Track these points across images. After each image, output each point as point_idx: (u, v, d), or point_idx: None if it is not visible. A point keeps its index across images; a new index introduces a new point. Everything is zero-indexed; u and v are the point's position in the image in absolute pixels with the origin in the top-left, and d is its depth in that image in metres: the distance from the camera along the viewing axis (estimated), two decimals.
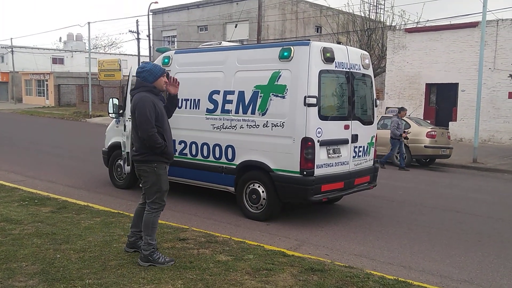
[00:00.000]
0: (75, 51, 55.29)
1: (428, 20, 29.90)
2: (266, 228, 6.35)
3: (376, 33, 27.23)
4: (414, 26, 24.99)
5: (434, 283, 4.66)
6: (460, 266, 5.20)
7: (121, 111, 8.21)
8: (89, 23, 32.30)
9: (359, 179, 7.08)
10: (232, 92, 6.86)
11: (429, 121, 18.08)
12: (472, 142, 15.91)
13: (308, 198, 6.30)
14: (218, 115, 7.02)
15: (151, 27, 35.09)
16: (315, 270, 4.53)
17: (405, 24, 27.20)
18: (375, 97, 7.53)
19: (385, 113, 19.30)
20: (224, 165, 6.97)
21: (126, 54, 55.43)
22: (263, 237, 5.89)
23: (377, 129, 8.13)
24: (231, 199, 7.30)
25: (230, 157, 6.91)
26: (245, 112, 6.70)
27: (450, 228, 6.90)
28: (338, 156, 6.62)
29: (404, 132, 13.04)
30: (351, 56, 6.85)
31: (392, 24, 27.58)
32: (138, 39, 35.90)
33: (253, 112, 6.61)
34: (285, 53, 6.33)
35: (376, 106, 7.54)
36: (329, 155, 6.48)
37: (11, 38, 47.76)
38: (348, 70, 6.76)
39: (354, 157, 6.93)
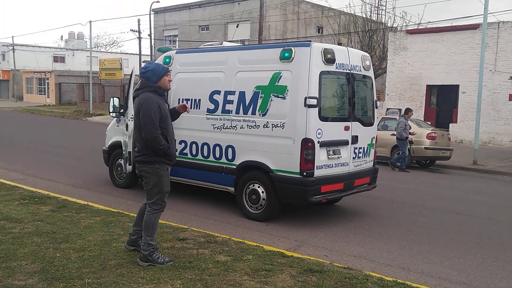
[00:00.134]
0: (77, 50, 55.35)
1: (429, 22, 29.97)
2: (266, 228, 6.36)
3: (377, 34, 27.23)
4: (415, 28, 25.00)
5: (432, 285, 4.67)
6: (459, 268, 5.21)
7: (122, 111, 8.22)
8: (90, 21, 32.37)
9: (359, 180, 7.08)
10: (232, 93, 6.87)
11: (429, 123, 18.08)
12: (473, 144, 15.91)
13: (308, 199, 6.31)
14: (218, 115, 7.03)
15: (152, 26, 35.14)
16: (314, 271, 4.54)
17: (406, 25, 27.25)
18: (375, 98, 7.54)
19: (385, 114, 19.34)
20: (224, 165, 6.98)
21: (127, 53, 55.48)
22: (262, 238, 5.89)
23: (377, 130, 8.14)
24: (231, 199, 7.31)
25: (230, 157, 6.92)
26: (245, 113, 6.71)
27: (450, 230, 6.91)
28: (338, 157, 6.62)
29: (411, 133, 12.96)
30: (352, 57, 6.85)
31: (394, 26, 27.60)
32: (139, 38, 35.97)
33: (253, 113, 6.62)
34: (286, 54, 6.34)
35: (376, 108, 7.55)
36: (329, 156, 6.49)
37: (13, 36, 47.90)
38: (349, 72, 6.77)
39: (354, 158, 6.94)
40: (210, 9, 33.91)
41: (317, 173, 6.29)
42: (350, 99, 6.82)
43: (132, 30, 36.68)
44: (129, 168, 7.41)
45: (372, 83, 7.43)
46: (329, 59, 6.35)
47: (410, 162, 13.53)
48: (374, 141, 7.45)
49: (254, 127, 6.61)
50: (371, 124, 7.37)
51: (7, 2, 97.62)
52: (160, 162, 4.50)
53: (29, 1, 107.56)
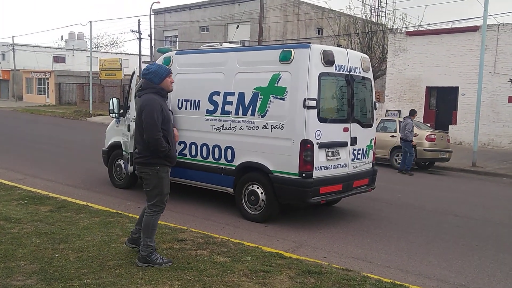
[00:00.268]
0: (77, 50, 55.35)
1: (429, 24, 29.94)
2: (264, 229, 6.37)
3: (377, 35, 27.25)
4: (415, 30, 25.03)
5: (430, 286, 4.68)
6: (457, 270, 5.22)
7: (122, 111, 8.23)
8: (91, 22, 32.40)
9: (357, 181, 7.10)
10: (232, 94, 6.89)
11: (428, 125, 18.10)
12: (472, 146, 15.92)
13: (307, 200, 6.32)
14: (218, 116, 7.04)
15: (152, 27, 35.15)
16: (312, 272, 4.55)
17: (406, 27, 27.25)
18: (374, 100, 7.55)
19: (385, 116, 19.36)
20: (223, 166, 6.99)
21: (127, 54, 55.48)
22: (261, 239, 5.90)
23: (377, 131, 8.14)
24: (230, 200, 7.32)
25: (229, 158, 6.93)
26: (245, 114, 6.72)
27: (448, 231, 6.92)
28: (337, 158, 6.64)
29: (414, 135, 12.96)
30: (351, 59, 6.87)
31: (393, 27, 27.60)
32: (139, 38, 35.97)
33: (253, 114, 6.63)
34: (286, 56, 6.35)
35: (375, 109, 7.57)
36: (328, 158, 6.50)
37: (13, 36, 47.89)
38: (348, 73, 6.79)
39: (353, 159, 6.95)
40: (211, 10, 33.94)
41: (316, 174, 6.30)
42: (349, 101, 6.83)
43: (132, 31, 36.66)
44: (130, 168, 7.41)
45: (371, 85, 7.44)
46: (329, 60, 6.36)
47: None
48: (373, 143, 7.46)
49: (253, 128, 6.62)
50: (370, 126, 7.38)
51: (7, 2, 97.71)
52: (161, 164, 4.50)
53: (29, 1, 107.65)
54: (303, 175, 6.21)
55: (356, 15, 28.49)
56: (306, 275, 4.49)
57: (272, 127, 6.43)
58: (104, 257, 4.67)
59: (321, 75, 6.30)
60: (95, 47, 58.40)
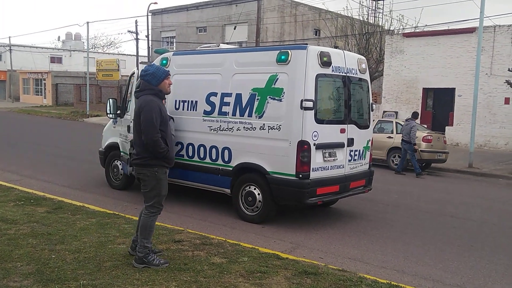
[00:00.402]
0: (74, 51, 55.20)
1: (426, 25, 30.07)
2: (261, 230, 6.37)
3: (374, 37, 27.31)
4: (412, 31, 25.09)
5: (426, 287, 4.70)
6: (453, 271, 5.24)
7: (119, 112, 8.22)
8: (88, 22, 32.44)
9: (354, 182, 7.11)
10: (229, 95, 6.89)
11: (425, 126, 18.15)
12: (468, 147, 15.97)
13: (304, 201, 6.34)
14: (215, 117, 7.05)
15: (150, 27, 35.06)
16: (309, 273, 4.56)
17: (403, 28, 27.29)
18: (371, 101, 7.58)
19: (382, 117, 19.39)
20: (220, 167, 7.00)
21: (124, 54, 55.36)
22: (258, 240, 5.91)
23: (374, 133, 8.16)
24: (227, 201, 7.33)
25: (226, 159, 6.93)
26: (242, 115, 6.73)
27: (444, 232, 6.95)
28: (333, 159, 6.65)
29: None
30: (348, 60, 6.89)
31: (390, 29, 27.66)
32: (136, 39, 35.85)
33: (250, 115, 6.64)
34: (283, 57, 6.37)
35: (372, 110, 7.59)
36: (325, 159, 6.52)
37: (9, 37, 47.89)
38: (345, 74, 6.81)
39: (349, 160, 6.97)
40: (208, 11, 33.94)
41: (313, 175, 6.31)
42: (346, 102, 6.85)
43: (130, 31, 36.50)
44: (129, 169, 7.40)
45: (368, 86, 7.46)
46: (325, 62, 6.38)
47: (406, 165, 13.56)
48: (369, 144, 7.48)
49: (251, 129, 6.63)
50: (367, 127, 7.40)
51: (5, 2, 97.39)
52: (159, 165, 4.50)
53: (26, 1, 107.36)
54: (300, 176, 6.22)
55: (353, 17, 28.57)
56: (302, 276, 4.50)
57: (269, 128, 6.44)
58: (101, 258, 4.67)
59: (318, 76, 6.32)
60: (92, 48, 58.27)
